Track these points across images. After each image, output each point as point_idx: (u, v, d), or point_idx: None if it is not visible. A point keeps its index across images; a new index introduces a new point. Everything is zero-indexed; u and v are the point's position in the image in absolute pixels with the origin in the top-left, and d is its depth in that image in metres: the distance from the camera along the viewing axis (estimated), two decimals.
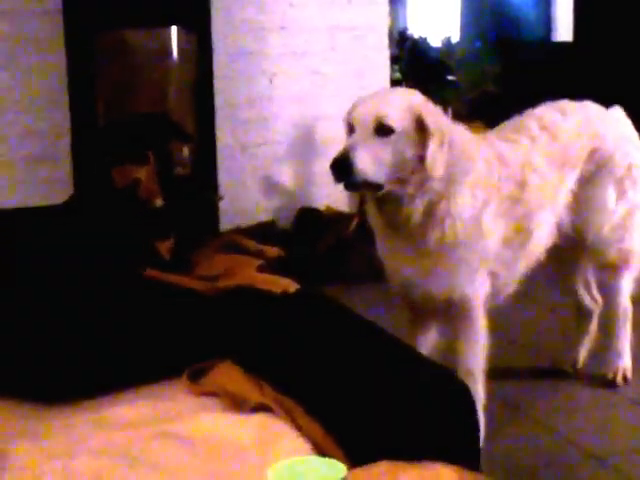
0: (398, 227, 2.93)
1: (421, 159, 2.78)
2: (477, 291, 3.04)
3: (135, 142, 2.89)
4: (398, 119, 2.76)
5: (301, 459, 1.20)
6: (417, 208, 2.86)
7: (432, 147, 2.75)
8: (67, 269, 2.58)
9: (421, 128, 2.78)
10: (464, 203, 2.92)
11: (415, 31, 8.79)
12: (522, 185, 3.11)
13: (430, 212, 2.88)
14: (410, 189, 2.83)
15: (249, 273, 2.78)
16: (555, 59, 8.49)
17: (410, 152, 2.78)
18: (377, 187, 2.80)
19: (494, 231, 3.03)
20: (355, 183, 2.75)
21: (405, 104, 2.80)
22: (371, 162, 2.71)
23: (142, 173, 2.86)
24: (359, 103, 2.86)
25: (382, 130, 2.75)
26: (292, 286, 2.70)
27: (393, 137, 2.75)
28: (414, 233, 2.91)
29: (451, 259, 2.95)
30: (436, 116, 2.85)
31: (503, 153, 3.11)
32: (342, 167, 2.70)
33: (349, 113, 2.85)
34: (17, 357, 2.32)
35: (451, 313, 3.07)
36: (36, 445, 1.96)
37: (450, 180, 2.88)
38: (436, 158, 2.75)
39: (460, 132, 2.99)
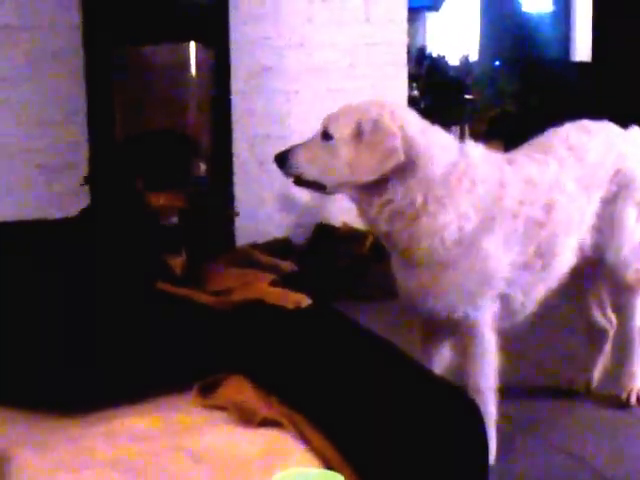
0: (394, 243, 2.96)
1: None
2: (481, 313, 3.02)
3: (163, 166, 2.93)
4: (338, 128, 2.92)
5: (301, 470, 1.20)
6: (377, 210, 2.92)
7: (360, 153, 2.87)
8: (80, 281, 2.59)
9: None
10: (447, 223, 2.90)
11: (434, 49, 8.82)
12: (549, 208, 3.09)
13: (409, 230, 2.91)
14: (366, 195, 2.93)
15: (262, 287, 2.78)
16: (574, 79, 8.48)
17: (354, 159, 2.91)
18: (320, 186, 2.99)
19: (500, 255, 2.99)
20: (291, 175, 3.00)
21: (355, 115, 2.92)
22: (306, 160, 2.96)
23: (168, 195, 2.89)
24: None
25: (327, 136, 2.93)
26: (305, 301, 2.70)
27: (333, 142, 2.91)
28: (405, 249, 2.94)
29: (444, 280, 2.96)
30: (388, 129, 2.86)
31: (531, 175, 3.09)
32: (279, 159, 2.99)
33: None
34: (27, 367, 2.33)
35: (458, 331, 3.07)
36: (43, 456, 1.97)
37: (431, 198, 2.88)
38: (360, 163, 2.87)
39: (462, 152, 2.97)
